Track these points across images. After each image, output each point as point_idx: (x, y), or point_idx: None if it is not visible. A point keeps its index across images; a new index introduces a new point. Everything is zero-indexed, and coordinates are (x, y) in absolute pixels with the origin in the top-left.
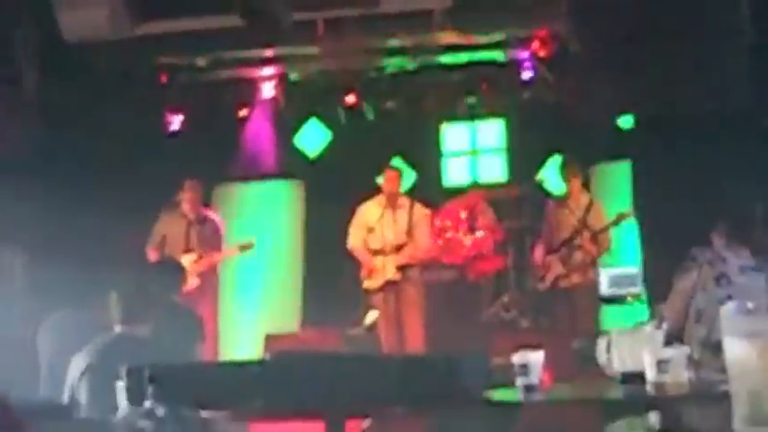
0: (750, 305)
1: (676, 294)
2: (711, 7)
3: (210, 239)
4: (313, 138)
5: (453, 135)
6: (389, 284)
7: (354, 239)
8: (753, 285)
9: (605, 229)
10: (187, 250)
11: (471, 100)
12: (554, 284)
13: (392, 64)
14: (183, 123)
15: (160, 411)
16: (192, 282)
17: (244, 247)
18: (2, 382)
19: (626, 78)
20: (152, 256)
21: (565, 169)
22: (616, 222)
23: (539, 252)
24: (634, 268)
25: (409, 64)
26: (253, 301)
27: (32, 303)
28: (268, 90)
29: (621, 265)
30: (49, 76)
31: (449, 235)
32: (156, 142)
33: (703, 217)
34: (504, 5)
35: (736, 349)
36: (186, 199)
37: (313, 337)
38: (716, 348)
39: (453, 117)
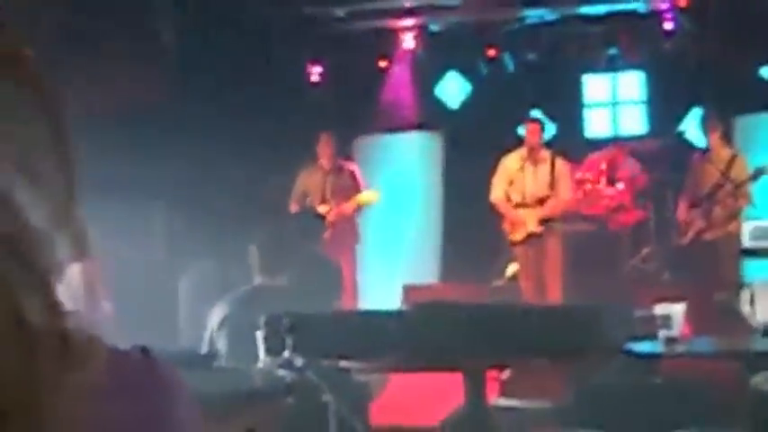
0: None
1: None
2: None
3: (347, 190)
4: (453, 89)
5: (594, 86)
6: (532, 237)
7: (497, 192)
8: None
9: (747, 182)
10: (324, 201)
11: (612, 51)
12: (696, 238)
13: (532, 15)
14: (323, 74)
15: (298, 361)
16: (329, 232)
17: (367, 198)
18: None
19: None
20: (293, 208)
21: (706, 122)
22: (757, 175)
23: (682, 206)
24: None
25: (549, 15)
26: (392, 253)
27: (173, 255)
28: (408, 41)
29: (764, 217)
30: (189, 27)
31: (588, 187)
32: (296, 93)
33: None
34: None
35: None
36: (322, 151)
37: (452, 288)
38: None
39: (594, 68)
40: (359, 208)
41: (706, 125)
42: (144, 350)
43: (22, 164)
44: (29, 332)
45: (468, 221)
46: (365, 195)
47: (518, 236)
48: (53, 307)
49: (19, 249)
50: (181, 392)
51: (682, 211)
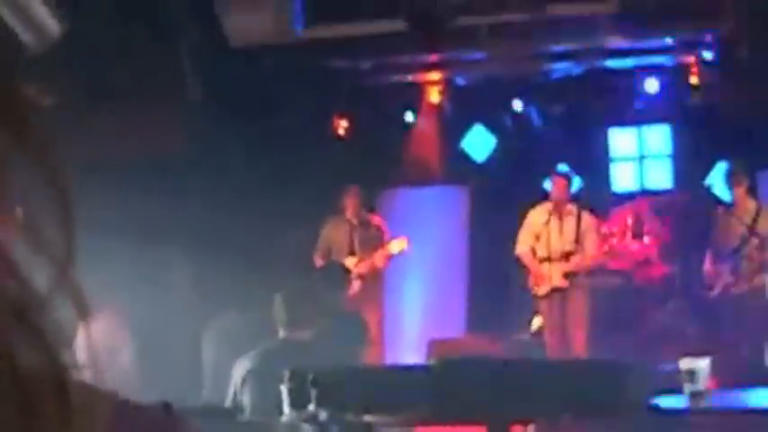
0: None
1: None
2: None
3: (373, 243)
4: (479, 143)
5: (620, 140)
6: (556, 291)
7: (523, 246)
8: None
9: None
10: (351, 254)
11: (638, 105)
12: (723, 293)
13: (558, 69)
14: (349, 128)
15: (323, 415)
16: (356, 285)
17: (399, 246)
18: (167, 384)
19: None
20: (318, 262)
21: (731, 176)
22: None
23: (708, 260)
24: None
25: (575, 69)
26: (418, 306)
27: (197, 306)
28: (434, 95)
29: None
30: (215, 80)
31: (614, 241)
32: (322, 147)
33: None
34: (670, 9)
35: None
36: (348, 204)
37: (478, 342)
38: None
39: (620, 122)
40: (389, 257)
41: (731, 179)
42: (167, 406)
43: (26, 229)
44: (26, 389)
45: (494, 275)
46: (396, 243)
47: (542, 290)
48: (54, 364)
49: (20, 309)
50: None
51: (708, 265)
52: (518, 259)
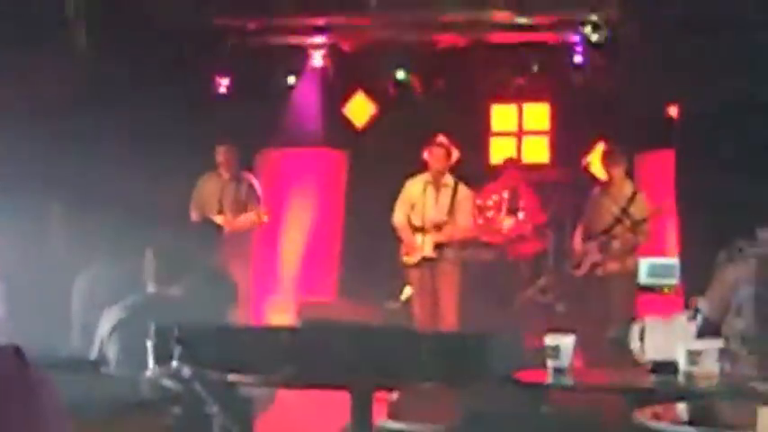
0: None
1: (719, 285)
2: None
3: (245, 201)
4: (360, 109)
5: (500, 115)
6: (426, 261)
7: (399, 215)
8: None
9: (646, 220)
10: (220, 211)
11: (520, 81)
12: (591, 271)
13: (443, 40)
14: (231, 87)
15: (186, 372)
16: (227, 245)
17: (257, 218)
18: (33, 333)
19: (676, 67)
20: (193, 216)
21: (609, 156)
22: (656, 214)
23: (577, 237)
24: (672, 259)
25: (460, 41)
26: (290, 269)
27: (69, 256)
28: (318, 59)
29: (661, 255)
30: (100, 31)
31: (490, 214)
32: (203, 104)
33: (747, 210)
34: None
35: None
36: (220, 162)
37: (347, 307)
38: (753, 343)
39: (502, 97)
40: (251, 225)
41: (609, 160)
42: (17, 350)
43: None
44: None
45: (368, 242)
46: (257, 214)
47: (412, 259)
48: None
49: None
50: (48, 394)
51: (577, 243)
52: (393, 228)
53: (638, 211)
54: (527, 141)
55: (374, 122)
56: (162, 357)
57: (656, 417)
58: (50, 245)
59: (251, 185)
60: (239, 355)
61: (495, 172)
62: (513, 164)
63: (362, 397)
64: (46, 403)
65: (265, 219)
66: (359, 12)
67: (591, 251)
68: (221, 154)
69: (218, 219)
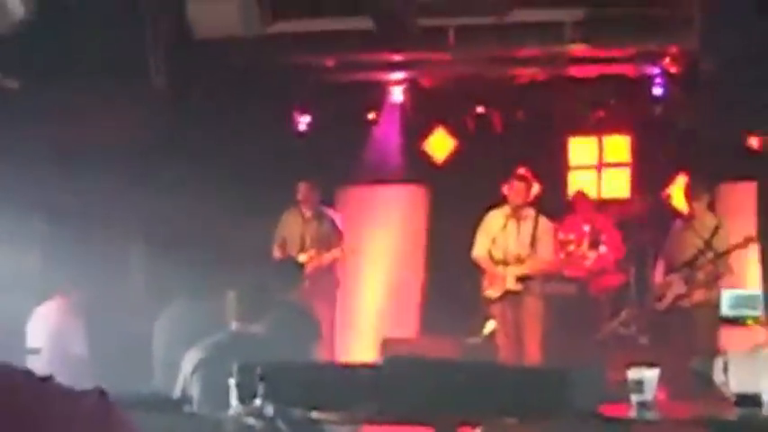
0: None
1: None
2: None
3: (327, 238)
4: (440, 144)
5: (580, 148)
6: (509, 295)
7: (480, 248)
8: None
9: (730, 252)
10: (303, 249)
11: (599, 114)
12: (674, 303)
13: (522, 74)
14: (311, 124)
15: (269, 410)
16: (309, 282)
17: (351, 252)
18: (116, 373)
19: (756, 98)
20: (276, 254)
21: (690, 189)
22: (741, 247)
23: (659, 270)
24: (756, 290)
25: (539, 75)
26: (373, 305)
27: (151, 297)
28: (397, 94)
29: (743, 287)
30: (179, 72)
31: (571, 248)
32: (283, 142)
33: None
34: (636, 20)
35: None
36: (301, 199)
37: (430, 343)
38: None
39: (580, 130)
40: (336, 260)
41: (690, 192)
42: (101, 393)
43: None
44: None
45: (450, 277)
46: (343, 249)
47: (495, 293)
48: None
49: None
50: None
51: (659, 275)
52: (474, 262)
53: (721, 243)
54: (607, 174)
55: (454, 157)
56: (245, 396)
57: None
58: (133, 285)
59: (333, 222)
60: (322, 393)
61: (572, 205)
62: (583, 197)
63: None
64: None
65: (350, 255)
66: (437, 48)
67: (674, 283)
68: (302, 191)
69: (302, 257)
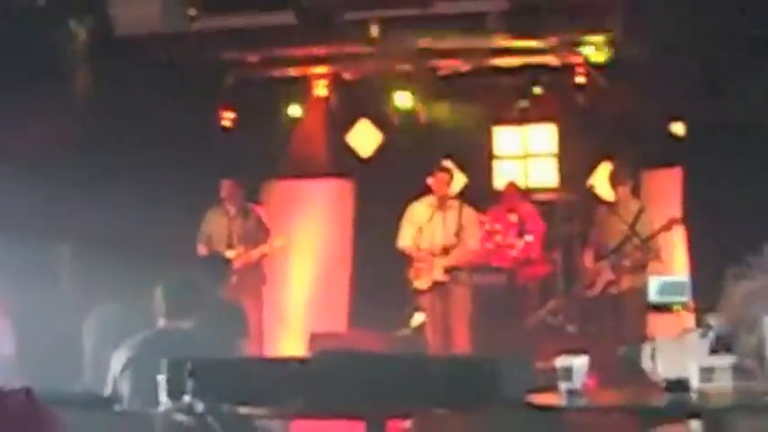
0: None
1: (730, 301)
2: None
3: (254, 234)
4: (364, 137)
5: (504, 138)
6: (437, 286)
7: (405, 238)
8: None
9: (654, 236)
10: (230, 245)
11: (524, 103)
12: (603, 291)
13: (445, 66)
14: (235, 120)
15: (199, 407)
16: (236, 278)
17: (278, 247)
18: (46, 372)
19: (679, 85)
20: (201, 251)
21: (613, 176)
22: (666, 228)
23: (588, 258)
24: (683, 276)
25: (462, 66)
26: (301, 300)
27: (79, 296)
28: (321, 89)
29: (671, 273)
30: (100, 70)
31: (498, 238)
32: (208, 138)
33: (755, 227)
34: (558, 10)
35: None
36: (225, 197)
37: (358, 336)
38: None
39: (505, 120)
40: (265, 255)
41: (615, 179)
42: (28, 392)
43: None
44: None
45: (378, 270)
46: (271, 244)
47: (423, 284)
48: None
49: None
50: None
51: (588, 264)
52: (401, 254)
53: (645, 227)
54: (533, 163)
55: (379, 150)
56: (174, 392)
57: None
58: (61, 285)
59: (259, 218)
60: (251, 388)
61: (499, 196)
62: (513, 187)
63: (376, 426)
64: None
65: (277, 251)
66: (361, 41)
67: (603, 270)
68: (226, 188)
69: (230, 253)
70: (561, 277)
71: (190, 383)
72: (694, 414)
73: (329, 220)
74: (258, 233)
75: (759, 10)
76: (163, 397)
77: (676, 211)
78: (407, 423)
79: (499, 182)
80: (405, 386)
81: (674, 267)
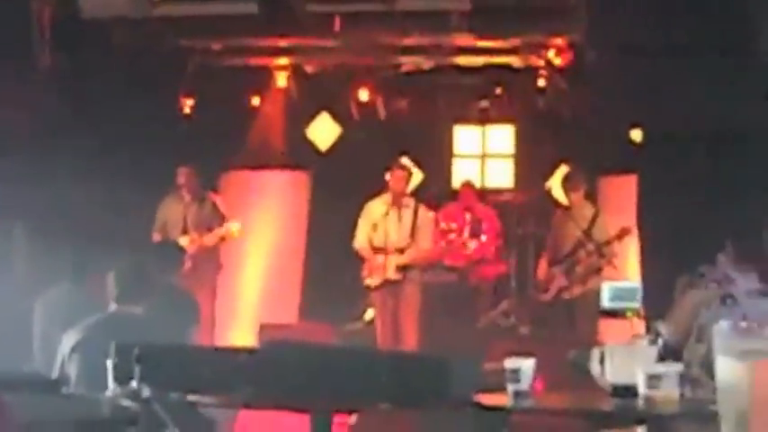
0: (744, 324)
1: (680, 310)
2: (727, 25)
3: (209, 221)
4: (323, 131)
5: (464, 138)
6: (389, 283)
7: (361, 237)
8: (759, 309)
9: (609, 243)
10: (184, 232)
11: (484, 104)
12: (556, 296)
13: (407, 62)
14: (195, 107)
15: (146, 392)
16: (189, 264)
17: (227, 234)
18: None
19: (639, 92)
20: (156, 237)
21: (568, 180)
22: (619, 237)
23: (542, 264)
24: (635, 283)
25: (424, 63)
26: (253, 290)
27: (31, 278)
28: (281, 80)
29: (624, 279)
30: (64, 52)
31: (452, 237)
32: (167, 125)
33: (709, 236)
34: (522, 12)
35: (727, 368)
36: (182, 184)
37: (308, 329)
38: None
39: (465, 119)
40: (221, 240)
41: (569, 183)
42: None
43: None
44: None
45: (330, 264)
46: (227, 228)
47: (375, 281)
48: None
49: None
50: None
51: (542, 268)
52: (355, 250)
53: (600, 233)
54: (490, 164)
55: (337, 144)
56: (122, 377)
57: None
58: (13, 266)
59: (214, 205)
60: (199, 376)
61: (456, 194)
62: (469, 187)
63: (322, 419)
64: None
65: (235, 234)
66: (323, 34)
67: (557, 276)
68: (182, 176)
69: (183, 240)
70: (515, 279)
71: (137, 369)
72: (640, 420)
73: (285, 211)
74: (213, 219)
75: (721, 16)
76: (110, 381)
77: (631, 218)
78: (353, 418)
79: (457, 181)
80: (352, 380)
81: (626, 274)
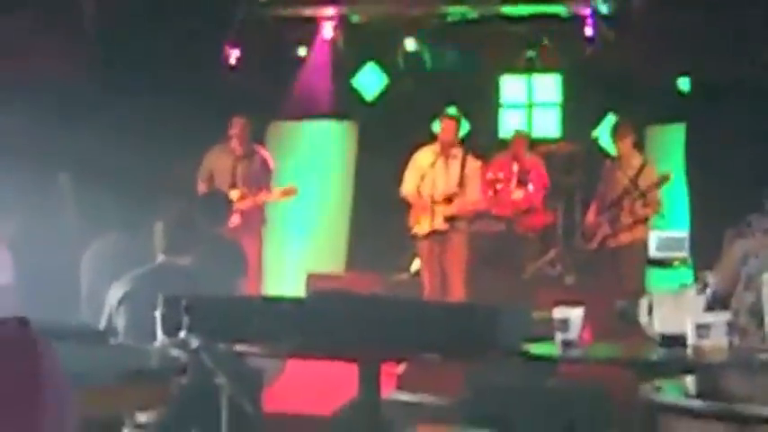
0: None
1: (728, 259)
2: None
3: (258, 176)
4: (370, 81)
5: (510, 87)
6: (436, 233)
7: (408, 186)
8: None
9: (652, 189)
10: (233, 185)
11: (531, 53)
12: (602, 244)
13: (454, 12)
14: (241, 58)
15: (194, 342)
16: (237, 217)
17: (286, 193)
18: (42, 304)
19: (686, 40)
20: (201, 188)
21: (616, 129)
22: (662, 182)
23: (591, 212)
24: (683, 232)
25: (471, 13)
26: (299, 240)
27: (79, 229)
28: (328, 30)
29: (671, 228)
30: (109, 1)
31: (499, 187)
32: (213, 75)
33: (756, 184)
34: None
35: None
36: (234, 135)
37: (356, 279)
38: (762, 316)
39: (511, 69)
40: (280, 197)
41: (617, 132)
42: (21, 321)
43: None
44: None
45: (378, 213)
46: (287, 187)
47: (421, 230)
48: None
49: None
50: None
51: (590, 217)
52: (402, 200)
53: (646, 181)
54: (537, 113)
55: (384, 94)
56: (170, 328)
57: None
58: (61, 216)
59: (264, 161)
60: (247, 326)
61: (504, 144)
62: (520, 136)
63: (370, 368)
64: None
65: (280, 196)
66: None
67: (602, 224)
68: (235, 126)
69: (233, 193)
70: (561, 228)
71: (185, 319)
72: (689, 369)
73: (331, 162)
74: (262, 176)
75: None
76: (158, 332)
77: (678, 168)
78: (402, 367)
79: (504, 131)
80: (400, 330)
81: (674, 223)
